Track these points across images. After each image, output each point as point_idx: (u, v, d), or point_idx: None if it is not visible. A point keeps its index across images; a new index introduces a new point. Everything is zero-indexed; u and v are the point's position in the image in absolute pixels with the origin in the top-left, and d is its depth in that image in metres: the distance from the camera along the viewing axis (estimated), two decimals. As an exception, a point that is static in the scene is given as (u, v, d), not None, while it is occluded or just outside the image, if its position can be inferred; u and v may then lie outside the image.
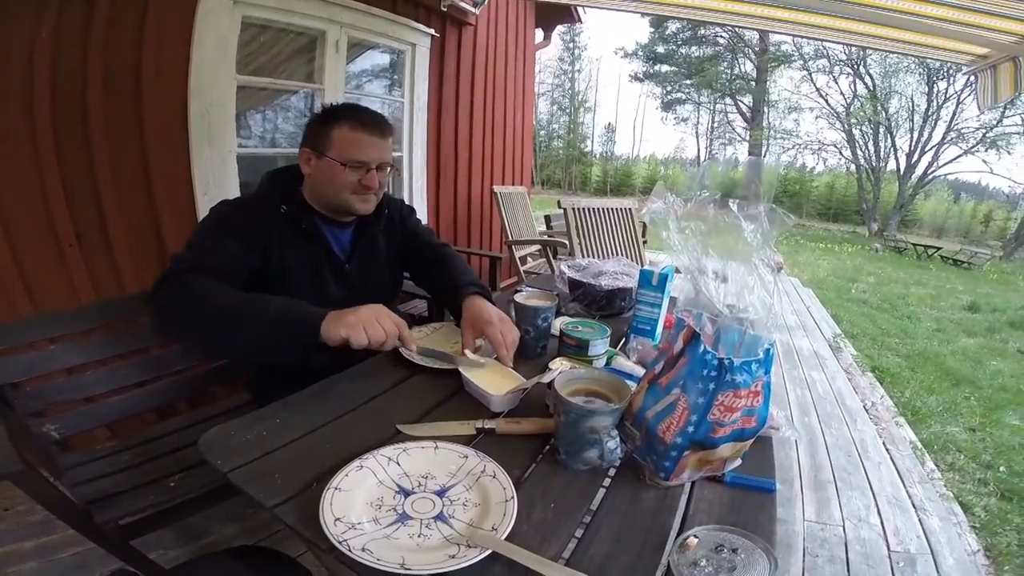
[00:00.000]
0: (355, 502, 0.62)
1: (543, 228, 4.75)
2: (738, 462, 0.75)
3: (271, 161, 2.61)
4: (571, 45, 31.05)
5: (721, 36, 22.03)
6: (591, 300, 1.57)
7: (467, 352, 1.04)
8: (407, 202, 1.48)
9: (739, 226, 0.69)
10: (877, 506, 2.13)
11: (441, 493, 0.66)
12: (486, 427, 0.84)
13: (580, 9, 4.69)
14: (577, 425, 0.71)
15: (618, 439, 0.67)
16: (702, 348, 0.67)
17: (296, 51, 2.61)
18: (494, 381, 0.97)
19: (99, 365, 1.19)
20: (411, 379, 1.02)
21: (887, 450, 2.64)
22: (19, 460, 0.80)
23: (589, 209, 3.17)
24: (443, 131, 3.60)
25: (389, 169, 1.13)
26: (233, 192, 2.22)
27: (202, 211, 2.12)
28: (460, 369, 0.99)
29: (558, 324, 1.23)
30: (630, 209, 3.43)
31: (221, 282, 0.91)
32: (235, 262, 0.98)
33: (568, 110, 32.85)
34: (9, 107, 1.59)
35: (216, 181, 2.13)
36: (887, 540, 1.91)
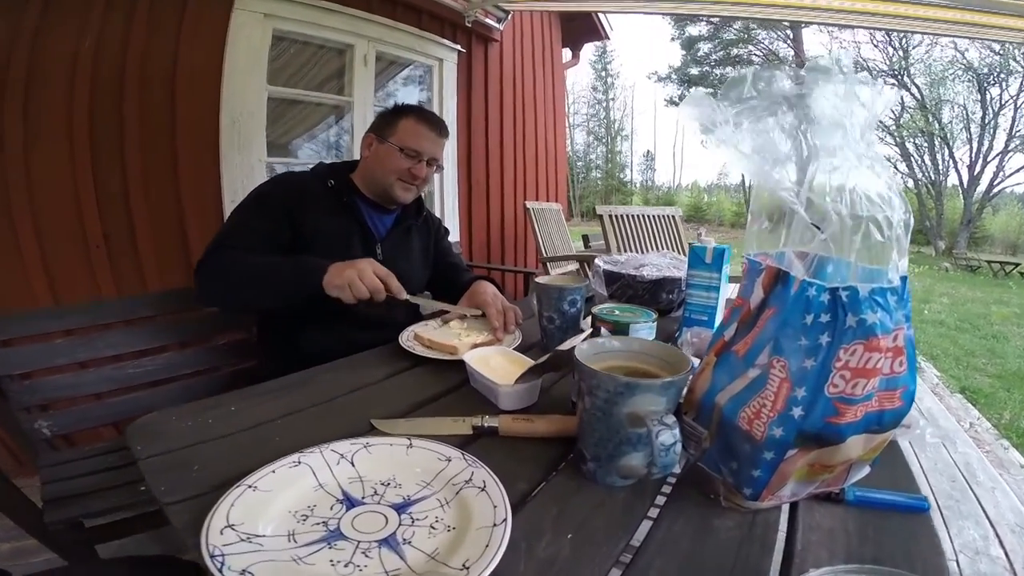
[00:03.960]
0: (272, 507, 0.42)
1: (581, 248, 4.53)
2: (865, 470, 0.49)
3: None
4: (603, 73, 31.25)
5: (755, 55, 21.60)
6: (632, 295, 1.32)
7: (454, 323, 1.02)
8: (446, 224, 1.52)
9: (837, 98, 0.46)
10: (998, 536, 1.76)
11: (402, 507, 0.44)
12: (486, 425, 0.61)
13: (606, 25, 4.59)
14: (611, 412, 0.47)
15: (676, 434, 0.43)
16: (797, 285, 0.43)
17: (326, 64, 2.63)
18: (505, 371, 0.74)
19: (103, 364, 1.13)
20: (409, 371, 0.86)
21: (999, 474, 2.22)
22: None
23: (628, 216, 2.93)
24: (473, 147, 3.52)
25: (436, 168, 1.22)
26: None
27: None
28: (464, 358, 0.79)
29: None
30: (674, 216, 3.17)
31: (247, 254, 1.01)
32: (261, 237, 1.06)
33: (604, 139, 32.86)
34: (51, 109, 1.67)
35: (244, 188, 2.11)
36: (1015, 573, 1.58)
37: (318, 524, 0.41)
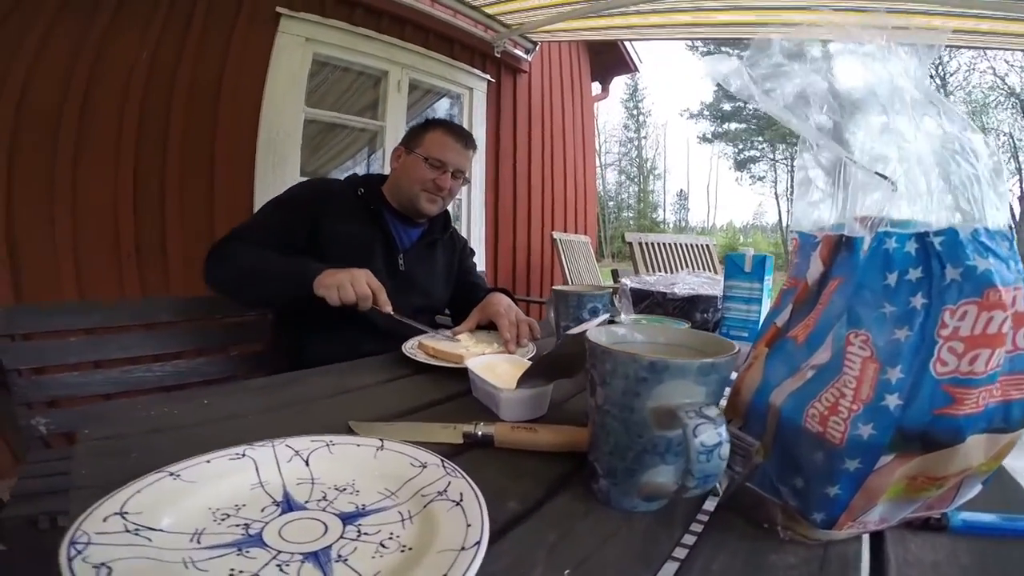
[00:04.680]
0: (189, 500, 0.34)
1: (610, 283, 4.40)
2: (976, 488, 0.35)
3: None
4: (635, 111, 31.51)
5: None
6: (661, 315, 1.20)
7: (463, 336, 0.95)
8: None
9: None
10: None
11: (351, 518, 0.34)
12: (480, 434, 0.51)
13: (635, 57, 4.61)
14: (631, 407, 0.36)
15: (722, 432, 0.31)
16: (868, 243, 0.32)
17: (361, 90, 2.72)
18: (512, 379, 0.64)
19: (117, 365, 1.09)
20: (407, 378, 0.78)
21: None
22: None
23: (660, 244, 2.81)
24: (501, 177, 3.51)
25: (462, 179, 1.22)
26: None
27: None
28: (467, 363, 0.70)
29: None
30: (707, 245, 3.02)
31: (255, 248, 1.02)
32: (275, 235, 1.06)
33: (636, 178, 32.81)
34: (104, 118, 1.75)
35: (276, 207, 2.17)
36: None
37: (238, 526, 0.32)
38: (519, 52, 3.38)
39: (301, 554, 0.30)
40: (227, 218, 2.01)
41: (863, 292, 0.32)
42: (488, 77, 3.20)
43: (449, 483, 0.37)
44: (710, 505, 0.40)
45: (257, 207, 2.05)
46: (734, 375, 0.43)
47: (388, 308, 0.94)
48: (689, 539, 0.36)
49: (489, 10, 2.84)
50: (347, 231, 1.12)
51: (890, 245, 0.32)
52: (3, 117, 1.61)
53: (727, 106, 23.54)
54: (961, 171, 0.32)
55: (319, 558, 0.29)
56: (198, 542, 0.30)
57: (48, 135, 1.67)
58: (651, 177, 32.78)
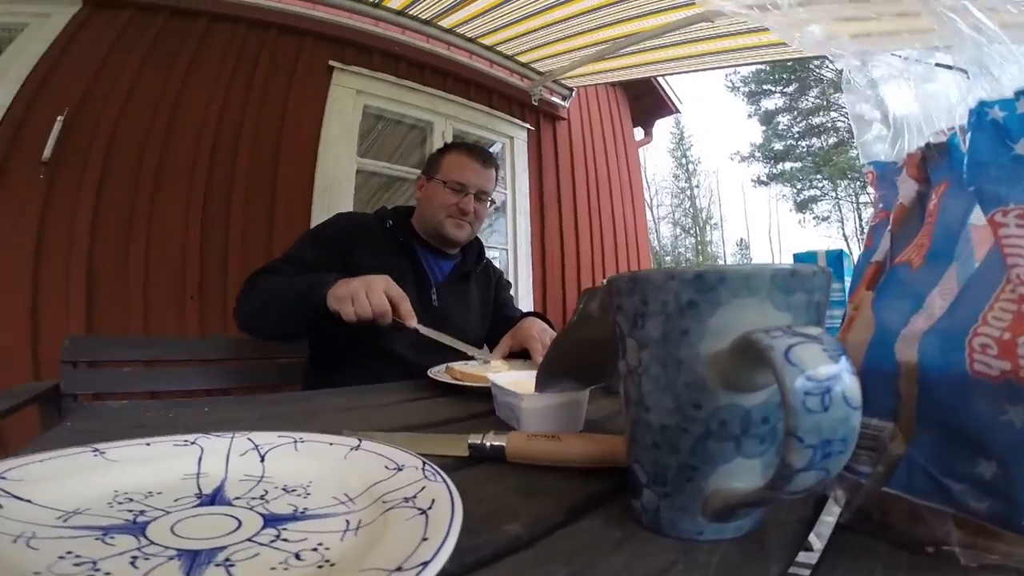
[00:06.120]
0: (95, 479, 0.28)
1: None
2: None
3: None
4: (683, 160, 31.05)
5: (840, 121, 20.49)
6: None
7: (496, 363, 0.85)
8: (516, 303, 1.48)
9: None
10: None
11: (279, 520, 0.25)
12: (489, 444, 0.39)
13: (674, 98, 4.57)
14: (678, 356, 0.24)
15: (846, 363, 0.18)
16: (965, 132, 0.26)
17: (412, 144, 2.87)
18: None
19: (165, 396, 1.10)
20: (427, 399, 0.70)
21: None
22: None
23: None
24: (547, 226, 3.47)
25: (488, 202, 1.19)
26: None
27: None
28: (490, 377, 0.60)
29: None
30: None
31: (282, 277, 0.98)
32: (305, 268, 1.03)
33: (692, 230, 31.98)
34: (178, 165, 1.93)
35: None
36: None
37: (131, 512, 0.25)
38: (556, 99, 3.45)
39: (177, 550, 0.21)
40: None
41: (988, 170, 0.24)
42: (527, 125, 3.26)
43: (422, 488, 0.26)
44: (823, 527, 0.25)
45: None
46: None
47: (413, 321, 0.84)
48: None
49: (523, 58, 2.93)
50: (378, 264, 1.07)
51: (996, 115, 0.24)
52: (96, 152, 1.81)
53: (778, 145, 22.82)
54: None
55: (193, 559, 0.21)
56: (65, 521, 0.24)
57: (130, 175, 1.86)
58: (708, 227, 31.81)
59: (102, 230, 1.79)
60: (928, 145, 0.31)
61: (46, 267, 1.70)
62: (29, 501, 0.24)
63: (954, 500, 0.21)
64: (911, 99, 0.34)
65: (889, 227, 0.31)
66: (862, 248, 0.36)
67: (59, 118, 1.74)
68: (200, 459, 0.32)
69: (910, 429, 0.23)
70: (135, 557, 0.20)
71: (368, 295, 0.80)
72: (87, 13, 1.91)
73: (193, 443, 0.33)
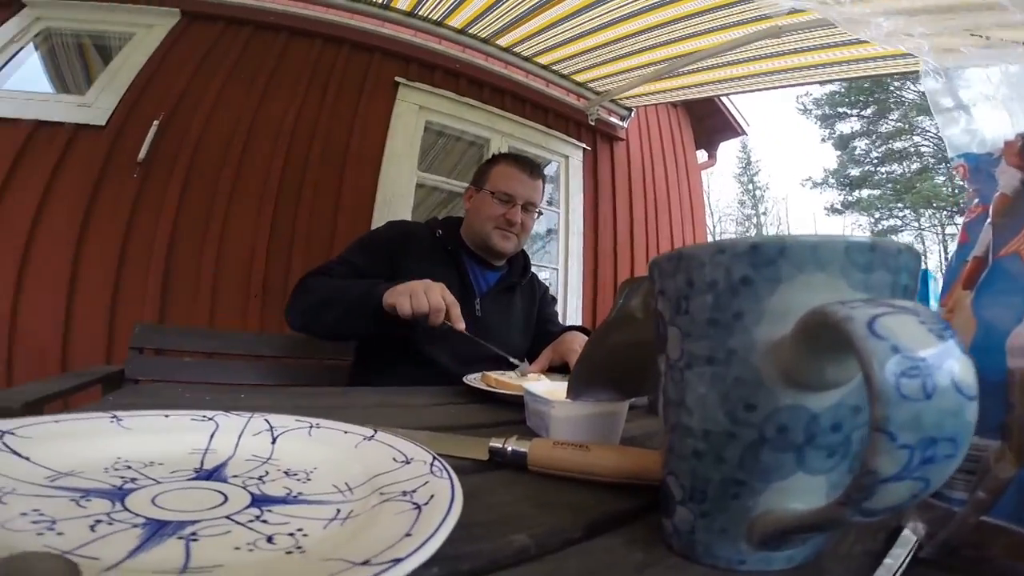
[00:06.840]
0: (103, 444, 0.29)
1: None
2: None
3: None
4: (749, 187, 29.75)
5: (924, 145, 18.85)
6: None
7: (534, 375, 0.85)
8: (562, 322, 1.49)
9: None
10: None
11: (268, 501, 0.24)
12: (511, 450, 0.36)
13: (741, 121, 4.41)
14: (728, 344, 0.21)
15: (954, 344, 0.13)
16: None
17: (470, 161, 2.94)
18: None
19: (218, 390, 1.20)
20: (459, 404, 0.69)
21: None
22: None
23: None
24: (600, 248, 3.39)
25: (536, 213, 1.20)
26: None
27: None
28: (523, 384, 0.59)
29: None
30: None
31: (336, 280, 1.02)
32: (356, 272, 1.06)
33: (758, 261, 30.23)
34: (253, 173, 2.08)
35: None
36: None
37: (120, 479, 0.25)
38: (614, 119, 3.40)
39: (146, 519, 0.21)
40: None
41: None
42: (584, 145, 3.23)
43: (424, 483, 0.24)
44: (895, 558, 0.21)
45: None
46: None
47: (461, 325, 0.88)
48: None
49: (580, 77, 2.93)
50: (425, 272, 1.11)
51: None
52: (183, 156, 1.99)
53: (855, 171, 21.24)
54: None
55: (160, 530, 0.20)
56: (52, 481, 0.24)
57: (211, 179, 2.01)
58: (774, 257, 30.02)
59: (182, 228, 1.94)
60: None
61: (130, 259, 1.86)
62: (27, 459, 0.24)
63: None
64: (997, 84, 0.33)
65: (990, 219, 0.27)
66: (955, 248, 0.31)
67: (155, 122, 1.93)
68: (213, 435, 0.32)
69: (1020, 449, 0.19)
70: (98, 521, 0.20)
71: (426, 293, 0.84)
72: (184, 24, 2.14)
73: (210, 419, 0.33)
